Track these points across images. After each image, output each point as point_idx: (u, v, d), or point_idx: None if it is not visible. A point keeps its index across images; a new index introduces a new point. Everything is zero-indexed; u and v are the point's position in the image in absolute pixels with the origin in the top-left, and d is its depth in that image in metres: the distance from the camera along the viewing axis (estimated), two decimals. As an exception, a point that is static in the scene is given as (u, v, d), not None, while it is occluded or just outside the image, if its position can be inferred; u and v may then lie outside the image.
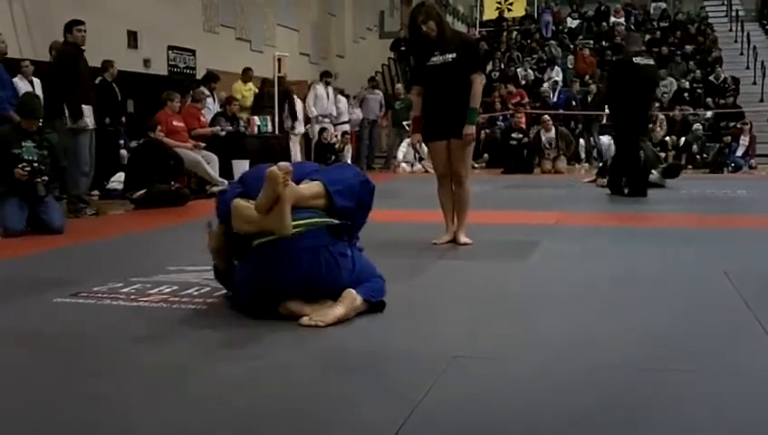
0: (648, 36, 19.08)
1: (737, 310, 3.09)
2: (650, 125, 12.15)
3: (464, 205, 4.89)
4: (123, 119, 9.72)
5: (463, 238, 4.81)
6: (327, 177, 3.06)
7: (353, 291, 2.93)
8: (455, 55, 4.65)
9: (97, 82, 8.77)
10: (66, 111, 6.70)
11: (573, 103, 15.39)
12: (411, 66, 11.55)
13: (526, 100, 15.73)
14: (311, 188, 2.97)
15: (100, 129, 7.66)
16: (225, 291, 3.35)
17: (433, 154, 5.03)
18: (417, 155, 13.56)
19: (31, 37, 9.30)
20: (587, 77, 16.44)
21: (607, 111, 11.25)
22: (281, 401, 2.10)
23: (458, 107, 4.69)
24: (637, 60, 8.30)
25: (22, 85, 8.01)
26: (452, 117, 4.72)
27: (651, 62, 8.68)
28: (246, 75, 12.13)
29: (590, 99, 14.81)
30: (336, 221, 2.96)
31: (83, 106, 6.74)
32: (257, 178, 2.95)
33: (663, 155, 12.30)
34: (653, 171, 9.54)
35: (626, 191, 8.17)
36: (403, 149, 13.77)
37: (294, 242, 2.84)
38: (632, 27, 19.93)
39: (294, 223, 2.82)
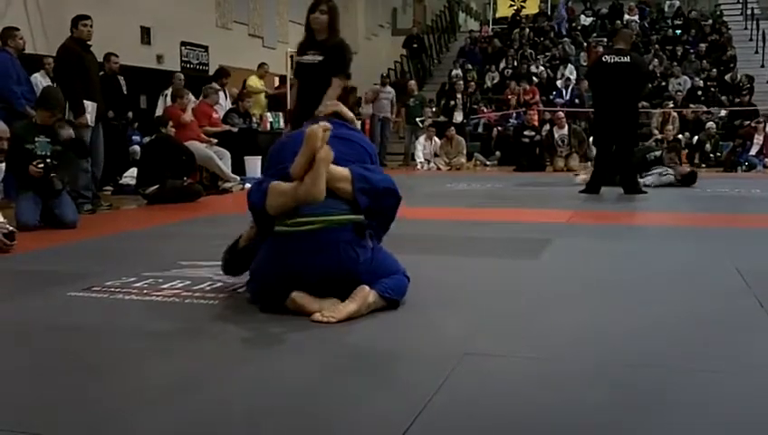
0: (661, 34, 19.06)
1: (750, 309, 3.07)
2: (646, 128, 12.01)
3: None
4: (130, 114, 9.74)
5: None
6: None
7: (366, 287, 2.90)
8: (322, 58, 4.62)
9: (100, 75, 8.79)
10: (68, 106, 6.70)
11: (576, 102, 15.34)
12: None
13: (537, 98, 15.69)
14: (341, 171, 2.90)
15: (106, 123, 7.65)
16: (237, 287, 3.37)
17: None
18: (432, 153, 13.65)
19: (45, 33, 9.35)
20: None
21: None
22: (290, 397, 2.10)
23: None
24: (606, 58, 8.02)
25: (43, 82, 8.04)
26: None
27: (626, 59, 7.90)
28: (261, 69, 12.28)
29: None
30: (362, 218, 2.91)
31: (86, 102, 6.73)
32: (284, 150, 3.05)
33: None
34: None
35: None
36: (420, 147, 13.80)
37: (317, 235, 2.81)
38: (646, 25, 19.87)
39: (318, 218, 2.79)
